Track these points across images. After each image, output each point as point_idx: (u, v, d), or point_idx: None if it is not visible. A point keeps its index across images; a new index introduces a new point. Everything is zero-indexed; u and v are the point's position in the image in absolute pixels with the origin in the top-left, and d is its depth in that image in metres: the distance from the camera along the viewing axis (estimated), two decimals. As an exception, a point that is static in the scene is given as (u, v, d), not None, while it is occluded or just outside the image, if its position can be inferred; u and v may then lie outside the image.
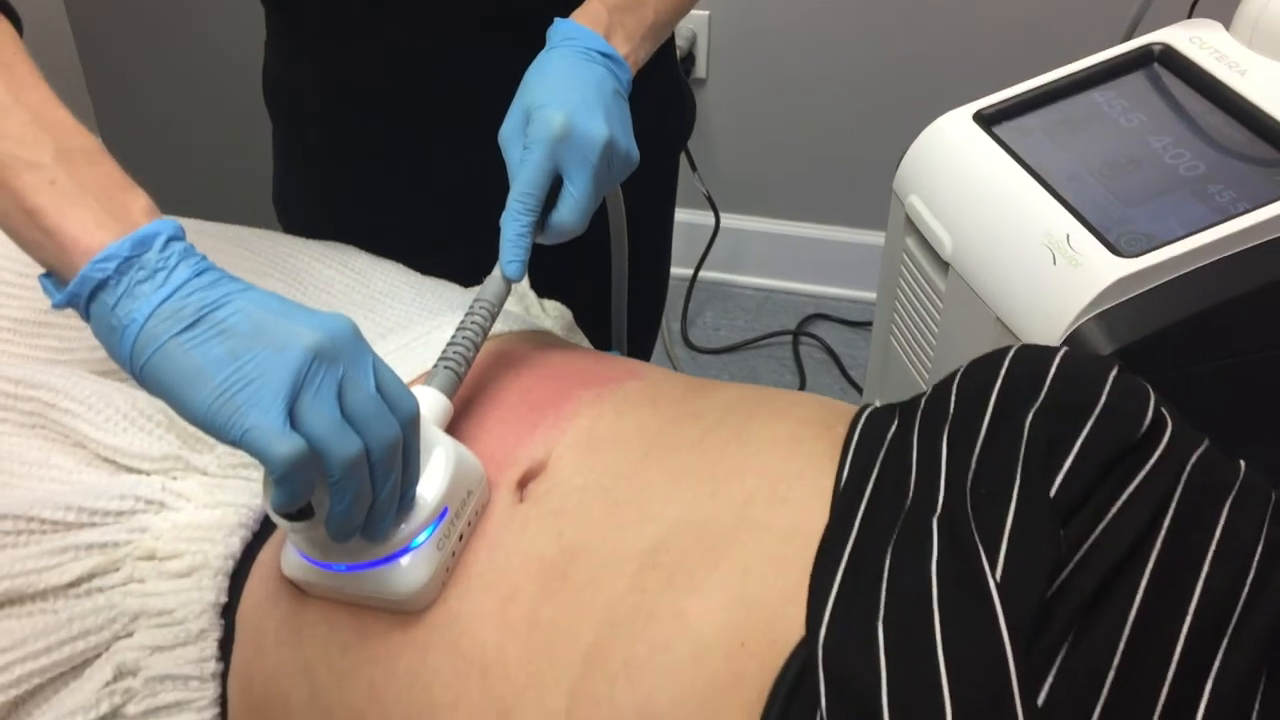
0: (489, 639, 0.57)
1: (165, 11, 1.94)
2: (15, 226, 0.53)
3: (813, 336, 2.11)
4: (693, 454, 0.62)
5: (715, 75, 2.01)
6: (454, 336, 0.67)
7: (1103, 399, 0.56)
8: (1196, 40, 1.04)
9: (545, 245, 0.71)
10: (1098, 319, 0.89)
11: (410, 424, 0.56)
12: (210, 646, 0.61)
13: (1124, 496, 0.52)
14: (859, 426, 0.62)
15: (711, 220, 2.09)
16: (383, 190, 0.97)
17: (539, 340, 0.77)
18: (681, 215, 2.09)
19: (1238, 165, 0.94)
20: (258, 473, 0.65)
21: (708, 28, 1.96)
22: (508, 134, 0.70)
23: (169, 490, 0.64)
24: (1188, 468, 0.54)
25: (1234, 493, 0.53)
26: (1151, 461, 0.54)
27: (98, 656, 0.60)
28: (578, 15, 0.75)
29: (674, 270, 2.11)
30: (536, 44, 0.74)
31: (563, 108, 0.68)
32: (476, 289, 0.71)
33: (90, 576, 0.61)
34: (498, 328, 0.75)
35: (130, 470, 0.65)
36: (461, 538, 0.60)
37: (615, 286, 0.88)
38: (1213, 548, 0.51)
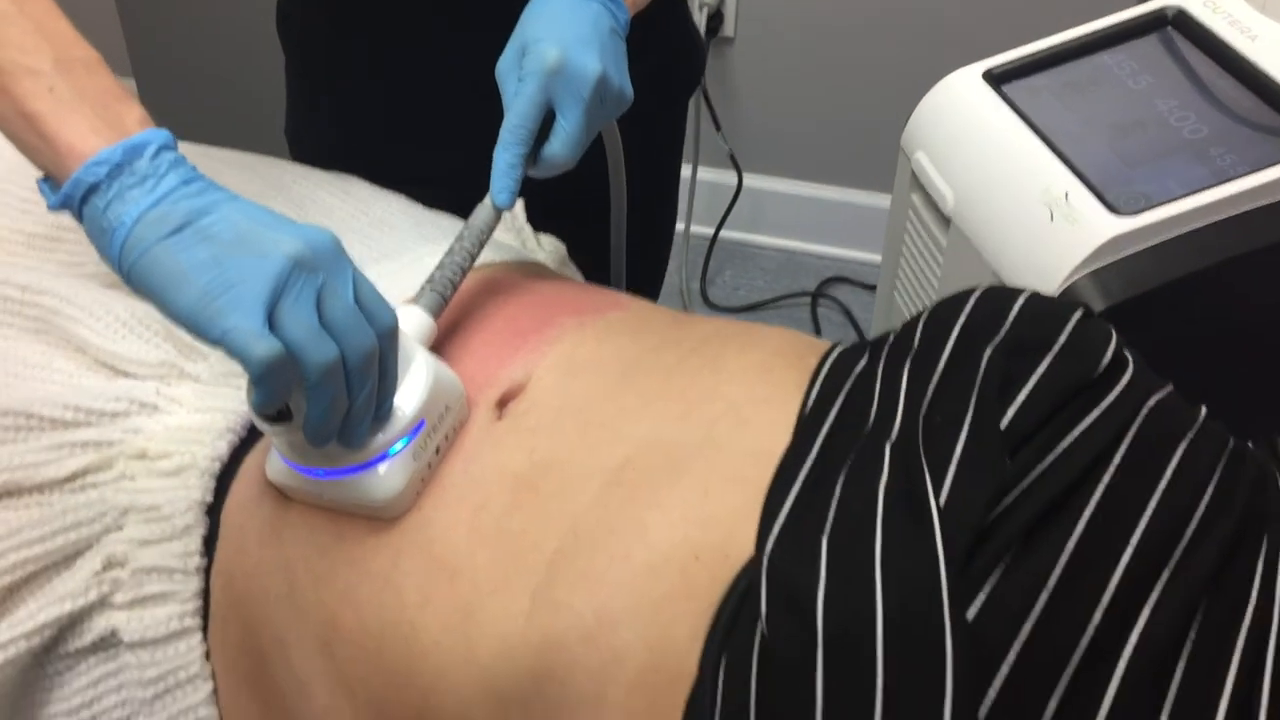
0: (459, 545, 0.59)
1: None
2: (14, 130, 0.55)
3: (831, 299, 2.12)
4: (667, 379, 0.64)
5: (743, 34, 2.00)
6: (441, 260, 0.69)
7: (1063, 338, 0.57)
8: (1210, 4, 1.04)
9: (541, 180, 0.73)
10: (1092, 276, 0.90)
11: (387, 336, 0.58)
12: (195, 542, 0.64)
13: (1077, 431, 0.53)
14: (830, 360, 0.64)
15: (734, 179, 2.10)
16: (390, 120, 0.99)
17: (529, 270, 0.79)
18: (704, 174, 2.12)
19: (1242, 129, 0.94)
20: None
21: (738, -14, 1.96)
22: (504, 68, 0.72)
23: (162, 395, 0.67)
24: (1145, 408, 0.55)
25: (1190, 436, 0.54)
26: (1108, 400, 0.55)
27: (89, 548, 0.63)
28: None
29: (695, 229, 2.13)
30: None
31: (557, 43, 0.69)
32: None
33: (85, 472, 0.64)
34: (491, 257, 0.77)
35: (127, 375, 0.68)
36: (438, 450, 0.62)
37: (614, 224, 0.90)
38: (1161, 487, 0.51)
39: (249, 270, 0.53)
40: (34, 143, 0.55)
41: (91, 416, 0.65)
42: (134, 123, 0.55)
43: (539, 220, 0.89)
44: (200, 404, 0.67)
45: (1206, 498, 0.51)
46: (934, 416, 0.55)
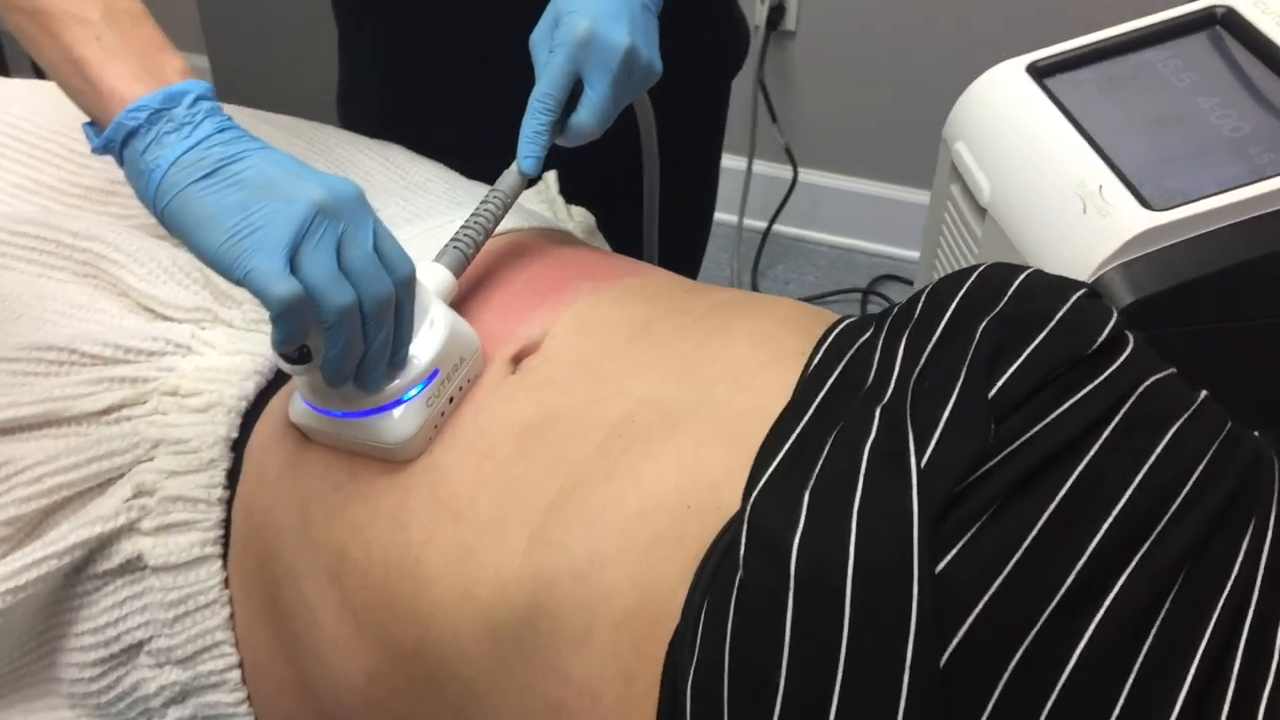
0: (464, 489, 0.62)
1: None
2: (63, 75, 0.59)
3: (882, 296, 2.12)
4: (675, 342, 0.66)
5: (805, 28, 2.01)
6: (466, 221, 0.71)
7: (1060, 314, 0.58)
8: (1260, 4, 1.03)
9: (576, 159, 0.74)
10: (1121, 269, 0.90)
11: (404, 285, 0.61)
12: (219, 475, 0.67)
13: (1067, 404, 0.54)
14: (836, 330, 0.65)
15: (789, 174, 2.11)
16: (434, 93, 1.02)
17: (555, 237, 0.81)
18: (759, 167, 2.13)
19: (1283, 128, 0.93)
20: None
21: (801, -20, 1.97)
22: (537, 38, 0.74)
23: (197, 337, 0.70)
24: (1141, 388, 0.55)
25: (1185, 416, 0.54)
26: (1103, 376, 0.55)
27: (120, 476, 0.67)
28: None
29: (748, 222, 2.14)
30: None
31: (588, 14, 0.71)
32: None
33: (120, 406, 0.68)
34: (519, 223, 0.80)
35: (165, 318, 0.72)
36: (452, 400, 0.65)
37: (647, 194, 0.92)
38: (1149, 464, 0.51)
39: (274, 215, 0.55)
40: (80, 86, 0.58)
41: (130, 355, 0.69)
42: (174, 72, 0.59)
43: (570, 196, 0.92)
44: (231, 347, 0.70)
45: (1195, 475, 0.52)
46: (924, 383, 0.56)
